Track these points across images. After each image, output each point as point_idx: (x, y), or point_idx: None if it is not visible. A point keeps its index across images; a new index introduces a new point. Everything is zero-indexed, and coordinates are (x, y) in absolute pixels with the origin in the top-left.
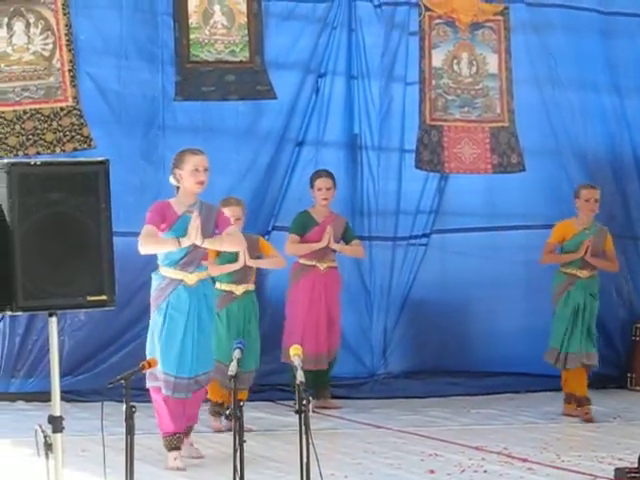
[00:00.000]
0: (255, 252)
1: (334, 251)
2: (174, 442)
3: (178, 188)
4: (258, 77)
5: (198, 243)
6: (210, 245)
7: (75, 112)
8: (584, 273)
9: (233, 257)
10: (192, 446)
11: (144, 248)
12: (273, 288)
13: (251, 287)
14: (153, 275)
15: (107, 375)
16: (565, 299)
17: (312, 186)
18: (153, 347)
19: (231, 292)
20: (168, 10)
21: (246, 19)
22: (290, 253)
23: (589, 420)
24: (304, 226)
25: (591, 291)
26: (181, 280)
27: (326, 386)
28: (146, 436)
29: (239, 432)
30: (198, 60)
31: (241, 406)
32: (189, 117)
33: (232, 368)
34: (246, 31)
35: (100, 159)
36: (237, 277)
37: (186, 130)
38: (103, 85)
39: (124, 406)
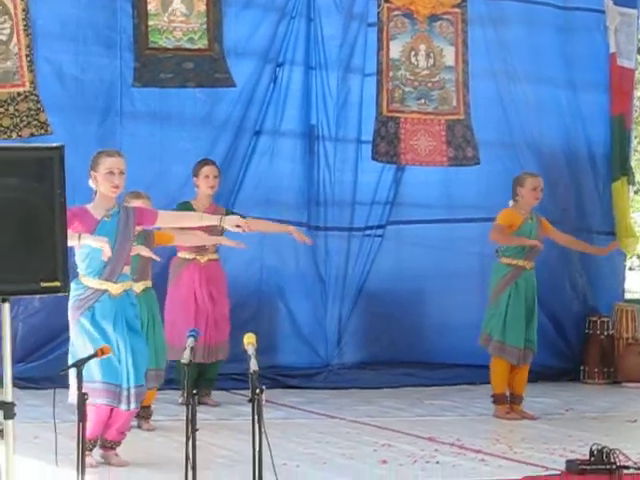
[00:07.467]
0: (151, 245)
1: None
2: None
3: (96, 193)
4: (217, 65)
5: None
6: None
7: (32, 97)
8: (530, 264)
9: (136, 258)
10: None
11: None
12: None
13: (149, 283)
14: (73, 284)
15: (60, 362)
16: (514, 291)
17: (197, 174)
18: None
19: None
20: None
21: (205, 7)
22: (179, 242)
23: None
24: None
25: (534, 283)
26: (105, 290)
27: (211, 382)
28: None
29: (192, 420)
30: (157, 47)
31: (194, 394)
32: (147, 104)
33: (185, 356)
34: (205, 19)
35: (55, 145)
36: (135, 275)
37: (144, 117)
38: (61, 70)
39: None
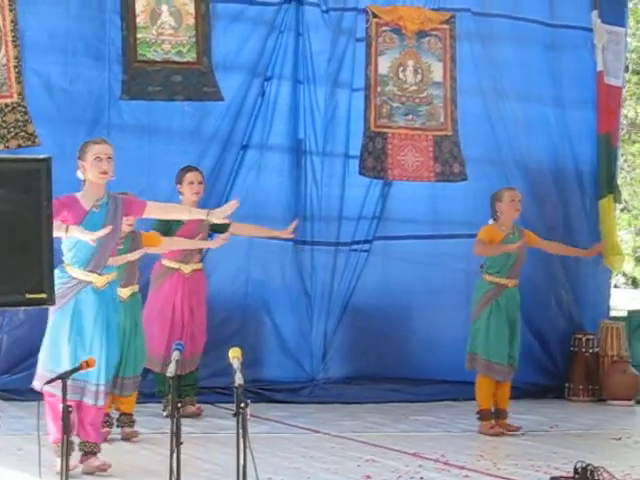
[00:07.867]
0: (139, 247)
1: (200, 252)
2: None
3: (85, 182)
4: (205, 78)
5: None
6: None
7: (20, 109)
8: (512, 282)
9: (123, 266)
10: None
11: None
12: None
13: (136, 288)
14: (57, 271)
15: None
16: (495, 308)
17: (180, 181)
18: (56, 350)
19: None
20: (115, 8)
21: (194, 20)
22: (166, 245)
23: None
24: (167, 223)
25: (517, 301)
26: (90, 282)
27: (191, 387)
28: None
29: (176, 434)
30: (145, 59)
31: (179, 408)
32: (135, 116)
33: (171, 369)
34: (194, 32)
35: (43, 156)
36: (122, 280)
37: (131, 130)
38: (49, 82)
39: (61, 405)
